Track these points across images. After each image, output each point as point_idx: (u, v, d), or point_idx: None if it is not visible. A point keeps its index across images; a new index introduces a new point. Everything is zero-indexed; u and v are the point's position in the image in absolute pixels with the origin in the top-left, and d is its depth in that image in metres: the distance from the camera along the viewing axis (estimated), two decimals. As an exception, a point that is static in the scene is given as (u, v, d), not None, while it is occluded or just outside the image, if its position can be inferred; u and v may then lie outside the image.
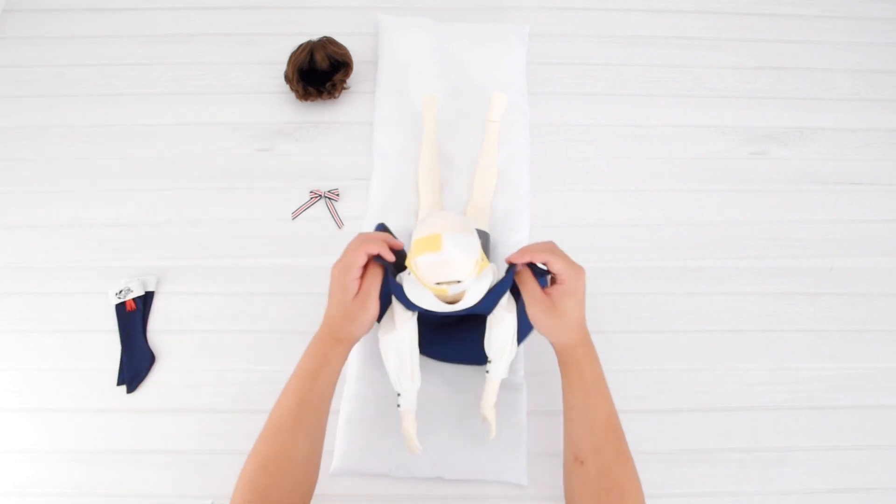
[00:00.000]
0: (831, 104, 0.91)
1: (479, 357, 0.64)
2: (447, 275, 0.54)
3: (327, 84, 0.85)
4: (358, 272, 0.59)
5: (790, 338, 0.77)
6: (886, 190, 0.85)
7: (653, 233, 0.82)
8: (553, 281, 0.60)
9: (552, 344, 0.62)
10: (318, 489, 0.58)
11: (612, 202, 0.83)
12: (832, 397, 0.74)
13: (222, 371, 0.73)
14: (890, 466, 0.71)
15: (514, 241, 0.77)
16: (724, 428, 0.72)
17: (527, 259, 0.60)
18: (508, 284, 0.60)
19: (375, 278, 0.60)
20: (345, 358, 0.61)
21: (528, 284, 0.60)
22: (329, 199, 0.82)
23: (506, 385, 0.70)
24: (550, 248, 0.60)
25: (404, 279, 0.60)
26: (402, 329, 0.60)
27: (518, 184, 0.81)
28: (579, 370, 0.59)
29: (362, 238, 0.60)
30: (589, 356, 0.60)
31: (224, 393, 0.72)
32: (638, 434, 0.71)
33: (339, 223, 0.81)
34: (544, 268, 0.61)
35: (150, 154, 0.85)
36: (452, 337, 0.69)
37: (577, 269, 0.59)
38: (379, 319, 0.63)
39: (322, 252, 0.79)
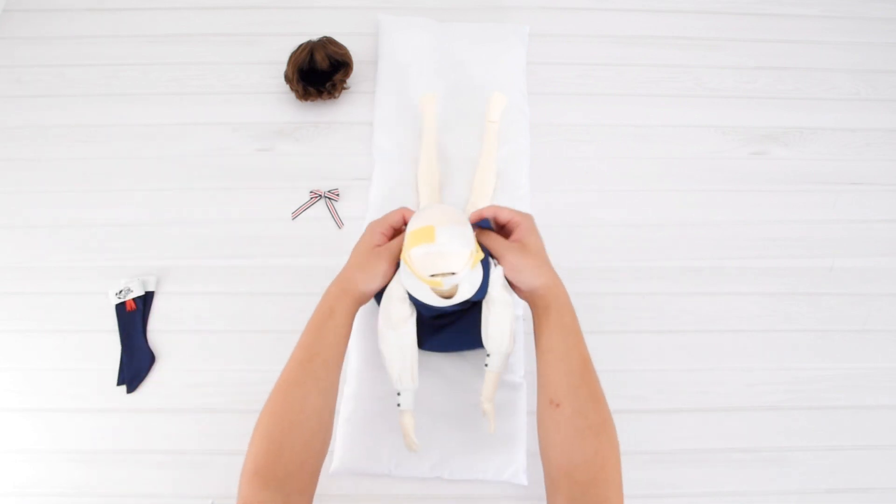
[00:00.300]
0: (831, 104, 0.91)
1: (477, 340, 0.64)
2: (441, 266, 0.54)
3: (327, 84, 0.85)
4: (388, 228, 0.63)
5: (790, 338, 0.77)
6: (886, 190, 0.85)
7: (653, 233, 0.82)
8: (507, 232, 0.64)
9: (528, 291, 0.62)
10: (319, 489, 0.58)
11: (613, 202, 0.83)
12: (832, 397, 0.74)
13: (222, 371, 0.73)
14: (890, 466, 0.71)
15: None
16: (724, 428, 0.72)
17: (474, 219, 0.64)
18: (487, 254, 0.62)
19: (398, 241, 0.63)
20: (351, 312, 0.61)
21: (492, 237, 0.63)
22: (329, 199, 0.82)
23: (505, 385, 0.70)
24: (492, 207, 0.64)
25: (401, 273, 0.60)
26: (403, 327, 0.60)
27: (518, 184, 0.81)
28: (558, 312, 0.59)
29: (400, 209, 0.65)
30: (562, 297, 0.61)
31: (224, 393, 0.72)
32: (638, 434, 0.71)
33: (339, 223, 0.81)
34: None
35: (150, 154, 0.85)
36: (450, 328, 0.69)
37: (524, 213, 0.63)
38: (378, 300, 0.63)
39: (322, 252, 0.79)
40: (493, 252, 0.62)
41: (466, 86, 0.88)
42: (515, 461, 0.67)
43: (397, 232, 0.64)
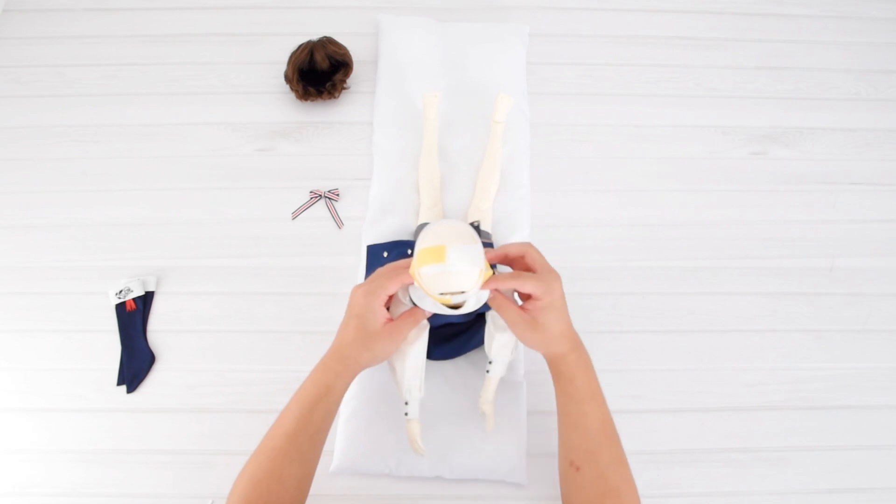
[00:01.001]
0: (831, 104, 0.91)
1: (482, 341, 0.64)
2: (451, 286, 0.54)
3: (327, 84, 0.85)
4: (385, 300, 0.58)
5: (790, 338, 0.77)
6: (886, 190, 0.85)
7: (653, 233, 0.82)
8: (528, 297, 0.58)
9: (543, 355, 0.61)
10: (319, 489, 0.59)
11: (613, 202, 0.83)
12: (832, 397, 0.74)
13: (222, 371, 0.73)
14: (890, 466, 0.71)
15: (514, 242, 0.77)
16: (724, 428, 0.72)
17: (496, 258, 0.60)
18: (494, 267, 0.61)
19: (413, 319, 0.59)
20: (347, 387, 0.59)
21: (505, 307, 0.58)
22: (329, 199, 0.82)
23: (506, 384, 0.70)
24: (517, 274, 0.58)
25: (410, 288, 0.60)
26: (415, 343, 0.60)
27: (518, 184, 0.81)
28: (571, 379, 0.59)
29: (394, 267, 0.59)
30: (580, 362, 0.59)
31: (224, 393, 0.72)
32: (638, 434, 0.71)
33: (339, 223, 0.81)
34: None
35: (150, 154, 0.85)
36: (457, 338, 0.70)
37: (549, 283, 0.57)
38: None
39: (322, 252, 0.79)
40: (504, 319, 0.59)
41: (466, 86, 0.88)
42: (515, 461, 0.67)
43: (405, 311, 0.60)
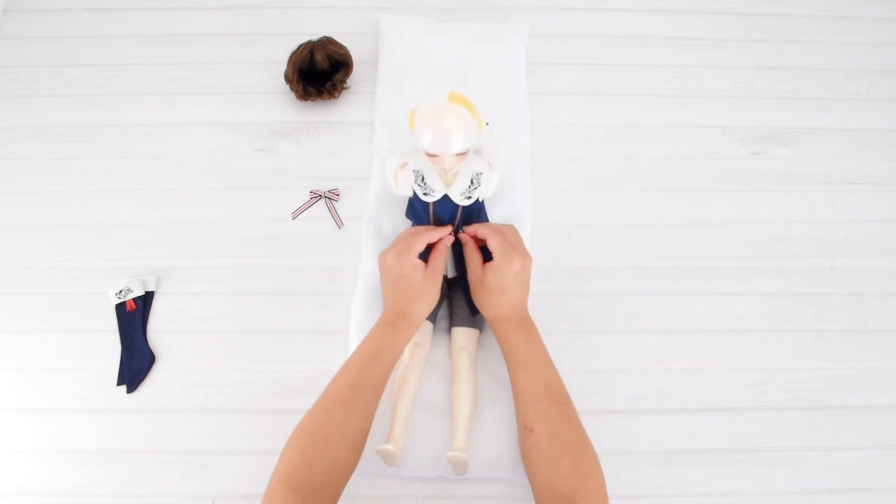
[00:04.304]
0: (831, 104, 0.91)
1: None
2: (444, 123, 0.59)
3: (327, 84, 0.85)
4: (416, 256, 0.65)
5: (790, 338, 0.77)
6: (886, 190, 0.85)
7: (653, 233, 0.82)
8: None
9: (487, 320, 0.67)
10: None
11: (613, 202, 0.83)
12: (832, 397, 0.74)
13: (222, 371, 0.73)
14: (890, 466, 0.71)
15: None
16: (723, 428, 0.72)
17: (472, 232, 0.67)
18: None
19: (442, 256, 0.67)
20: (408, 341, 0.65)
21: (471, 257, 0.67)
22: (329, 199, 0.82)
23: (506, 381, 0.70)
24: (497, 228, 0.67)
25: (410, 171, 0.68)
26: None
27: (518, 184, 0.81)
28: (512, 345, 0.64)
29: (414, 230, 0.68)
30: (520, 331, 0.65)
31: (224, 393, 0.72)
32: (638, 434, 0.71)
33: (339, 223, 0.81)
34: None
35: (150, 154, 0.85)
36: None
37: (511, 252, 0.64)
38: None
39: (322, 252, 0.79)
40: (467, 264, 0.68)
41: (466, 86, 0.87)
42: (515, 460, 0.67)
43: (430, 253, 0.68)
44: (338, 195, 0.82)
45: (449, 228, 0.69)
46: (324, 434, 0.56)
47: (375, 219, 0.79)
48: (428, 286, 0.65)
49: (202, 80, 0.90)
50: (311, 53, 0.85)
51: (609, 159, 0.86)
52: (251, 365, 0.74)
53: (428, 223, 0.68)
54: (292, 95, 0.87)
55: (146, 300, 0.76)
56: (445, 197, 0.67)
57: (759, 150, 0.87)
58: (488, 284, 0.64)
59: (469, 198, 0.67)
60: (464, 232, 0.69)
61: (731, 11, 0.97)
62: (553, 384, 0.62)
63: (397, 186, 0.70)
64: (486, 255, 0.67)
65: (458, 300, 0.72)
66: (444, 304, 0.74)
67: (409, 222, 0.73)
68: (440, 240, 0.67)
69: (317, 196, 0.82)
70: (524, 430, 0.61)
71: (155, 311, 0.76)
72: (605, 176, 0.85)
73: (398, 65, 0.89)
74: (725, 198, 0.84)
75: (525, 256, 0.65)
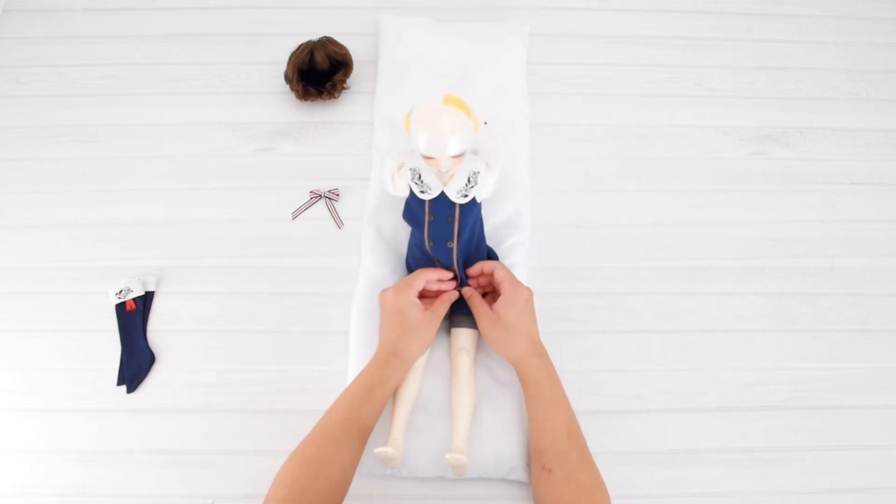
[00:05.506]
0: (831, 104, 0.91)
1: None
2: (440, 123, 0.60)
3: (327, 84, 0.85)
4: (416, 294, 0.66)
5: (790, 338, 0.77)
6: (886, 190, 0.85)
7: (653, 233, 0.82)
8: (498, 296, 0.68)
9: (508, 360, 0.67)
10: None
11: (612, 202, 0.83)
12: (832, 397, 0.74)
13: (222, 371, 0.73)
14: (890, 466, 0.71)
15: (515, 242, 0.77)
16: (723, 428, 0.72)
17: (478, 270, 0.69)
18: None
19: (445, 306, 0.68)
20: (400, 379, 0.66)
21: (477, 305, 0.68)
22: (329, 199, 0.82)
23: (506, 382, 0.70)
24: (498, 262, 0.69)
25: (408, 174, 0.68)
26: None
27: (518, 184, 0.81)
28: (537, 384, 0.64)
29: (416, 272, 0.69)
30: (543, 368, 0.65)
31: (224, 393, 0.72)
32: (638, 434, 0.71)
33: (339, 223, 0.81)
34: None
35: (151, 154, 0.85)
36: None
37: (516, 280, 0.67)
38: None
39: (322, 252, 0.79)
40: (473, 313, 0.69)
41: (466, 86, 0.87)
42: (515, 460, 0.67)
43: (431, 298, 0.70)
44: (338, 195, 0.82)
45: (454, 284, 0.71)
46: (314, 467, 0.58)
47: (375, 219, 0.79)
48: (424, 325, 0.66)
49: (202, 80, 0.90)
50: (311, 53, 0.85)
51: (609, 159, 0.86)
52: (251, 365, 0.74)
53: (424, 223, 0.68)
54: (292, 95, 0.87)
55: (146, 300, 0.76)
56: (442, 195, 0.67)
57: (759, 150, 0.87)
58: (505, 320, 0.65)
59: (466, 196, 0.67)
60: (468, 284, 0.71)
61: (731, 11, 0.97)
62: (573, 427, 0.63)
63: (395, 187, 0.70)
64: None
65: (458, 302, 0.72)
66: None
67: (407, 225, 0.73)
68: (443, 293, 0.69)
69: (317, 196, 0.82)
70: (542, 470, 0.61)
71: (155, 311, 0.76)
72: (605, 176, 0.85)
73: (398, 65, 0.89)
74: (725, 198, 0.84)
75: (526, 286, 0.68)
